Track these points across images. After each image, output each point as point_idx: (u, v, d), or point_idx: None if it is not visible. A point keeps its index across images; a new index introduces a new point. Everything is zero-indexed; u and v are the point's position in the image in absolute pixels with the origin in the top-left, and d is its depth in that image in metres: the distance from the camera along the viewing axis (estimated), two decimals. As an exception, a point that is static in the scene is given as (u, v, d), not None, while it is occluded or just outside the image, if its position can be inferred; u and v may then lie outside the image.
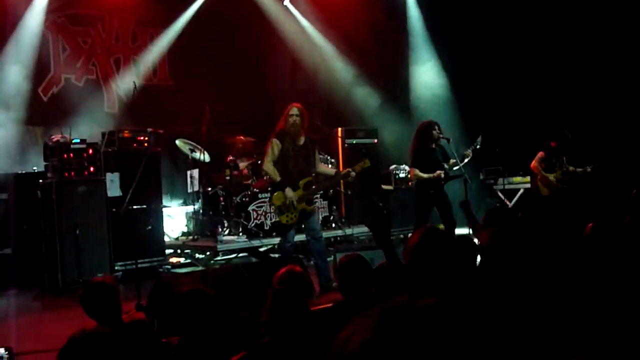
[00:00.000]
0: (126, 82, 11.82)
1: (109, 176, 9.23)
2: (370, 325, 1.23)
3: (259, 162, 10.37)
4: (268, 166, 7.81)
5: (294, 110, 7.76)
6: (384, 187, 11.70)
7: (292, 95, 11.45)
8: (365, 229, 10.26)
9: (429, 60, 13.58)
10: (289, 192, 7.66)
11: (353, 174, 7.98)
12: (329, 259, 7.93)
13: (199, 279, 5.90)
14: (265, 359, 3.51)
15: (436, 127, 8.82)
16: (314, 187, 8.02)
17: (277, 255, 9.81)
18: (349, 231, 10.70)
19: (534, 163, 9.81)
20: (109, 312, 4.24)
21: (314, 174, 8.05)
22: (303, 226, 7.98)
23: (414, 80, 13.64)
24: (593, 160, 9.79)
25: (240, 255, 10.23)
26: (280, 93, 12.70)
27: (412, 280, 3.77)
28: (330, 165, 10.77)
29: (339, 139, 11.65)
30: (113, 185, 9.25)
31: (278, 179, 7.72)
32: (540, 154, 9.77)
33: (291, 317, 4.04)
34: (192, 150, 10.59)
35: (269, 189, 8.65)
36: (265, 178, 9.73)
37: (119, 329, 4.21)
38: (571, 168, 9.69)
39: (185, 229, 10.95)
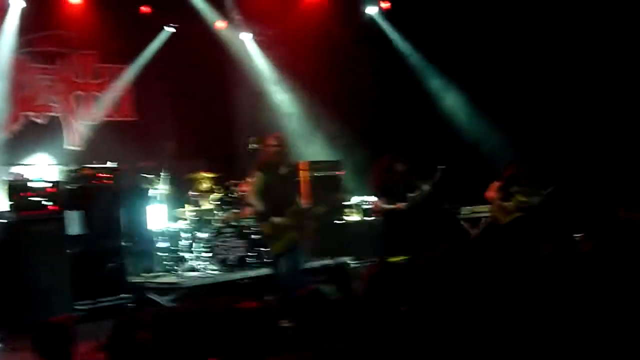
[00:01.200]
0: (88, 118, 11.79)
1: (70, 214, 9.14)
2: None
3: (222, 195, 10.40)
4: (252, 198, 7.94)
5: (274, 141, 7.93)
6: (348, 219, 11.73)
7: (255, 130, 11.49)
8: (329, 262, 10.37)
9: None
10: (276, 219, 7.74)
11: (323, 210, 8.12)
12: None
13: (154, 319, 5.82)
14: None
15: (398, 160, 8.93)
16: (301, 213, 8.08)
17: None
18: (314, 264, 10.66)
19: (489, 192, 9.97)
20: (62, 354, 4.20)
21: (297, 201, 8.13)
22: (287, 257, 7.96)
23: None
24: (547, 186, 9.95)
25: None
26: (243, 127, 12.73)
27: (366, 313, 3.79)
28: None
29: (305, 172, 11.68)
30: (74, 223, 9.16)
31: (262, 208, 7.78)
32: (495, 183, 9.94)
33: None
34: (155, 186, 10.55)
35: (256, 220, 8.62)
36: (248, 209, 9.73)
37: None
38: (524, 198, 9.85)
39: (146, 266, 10.82)
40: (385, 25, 13.46)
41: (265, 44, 13.35)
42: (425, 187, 8.92)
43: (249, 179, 8.27)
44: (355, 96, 12.81)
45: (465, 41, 12.24)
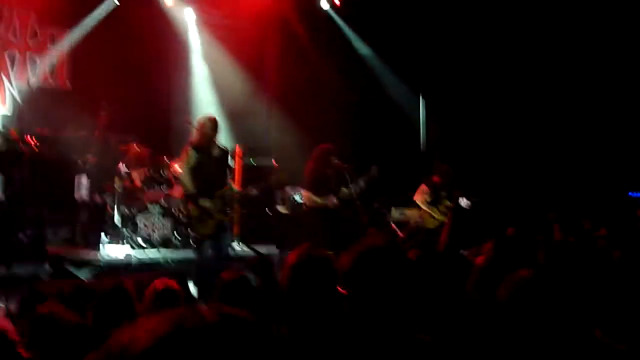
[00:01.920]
0: (21, 80, 11.39)
1: (-8, 177, 8.83)
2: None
3: (152, 171, 10.20)
4: (184, 176, 7.81)
5: (207, 122, 7.88)
6: (278, 208, 11.66)
7: (190, 110, 11.36)
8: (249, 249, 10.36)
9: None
10: (204, 202, 7.66)
11: (255, 192, 8.05)
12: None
13: (74, 290, 5.66)
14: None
15: (334, 154, 8.90)
16: (230, 196, 8.03)
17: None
18: (239, 251, 10.61)
19: (417, 196, 10.06)
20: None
21: (229, 186, 8.06)
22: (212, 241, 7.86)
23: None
24: (474, 194, 10.13)
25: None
26: (179, 106, 12.53)
27: (287, 302, 3.74)
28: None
29: (237, 158, 11.57)
30: (-5, 187, 8.85)
31: (193, 190, 7.65)
32: (423, 187, 10.03)
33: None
34: (83, 156, 10.30)
35: (184, 199, 8.45)
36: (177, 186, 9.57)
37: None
38: (449, 203, 9.99)
39: (68, 237, 10.55)
40: (338, 20, 13.42)
41: (210, 25, 13.13)
42: (360, 183, 8.94)
43: (180, 157, 8.17)
44: (300, 85, 12.77)
45: (415, 38, 12.37)
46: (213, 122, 7.91)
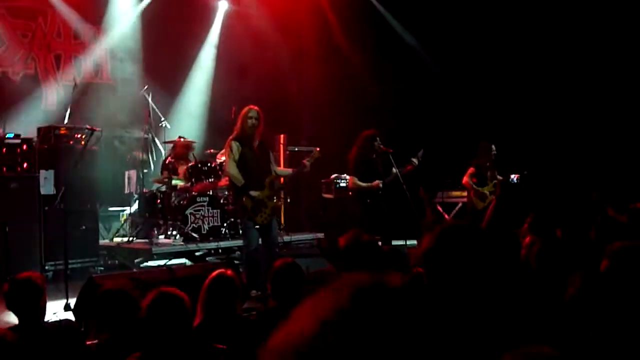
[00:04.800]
0: (66, 79, 11.61)
1: (43, 173, 9.01)
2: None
3: (198, 164, 10.31)
4: (231, 168, 7.79)
5: (253, 113, 7.79)
6: (324, 195, 11.70)
7: (235, 101, 11.40)
8: (302, 236, 10.38)
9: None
10: (254, 192, 7.70)
11: (308, 164, 8.06)
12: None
13: (130, 282, 5.79)
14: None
15: (377, 139, 8.89)
16: (279, 183, 8.14)
17: (213, 259, 9.74)
18: (287, 238, 10.70)
19: (465, 179, 10.03)
20: (33, 310, 4.15)
21: (274, 172, 8.10)
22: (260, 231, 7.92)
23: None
24: (522, 168, 10.08)
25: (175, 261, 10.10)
26: (222, 97, 12.62)
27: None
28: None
29: (281, 146, 11.64)
30: (47, 183, 9.03)
31: (242, 182, 7.71)
32: (470, 170, 10.00)
33: (221, 320, 4.02)
34: (132, 150, 10.48)
35: (234, 192, 8.53)
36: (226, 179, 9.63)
37: (40, 329, 4.13)
38: (500, 178, 9.97)
39: (120, 231, 10.76)
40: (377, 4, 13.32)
41: (243, 15, 13.15)
42: (414, 161, 8.90)
43: (224, 151, 8.20)
44: (342, 72, 12.75)
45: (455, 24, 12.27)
46: (255, 114, 7.92)
